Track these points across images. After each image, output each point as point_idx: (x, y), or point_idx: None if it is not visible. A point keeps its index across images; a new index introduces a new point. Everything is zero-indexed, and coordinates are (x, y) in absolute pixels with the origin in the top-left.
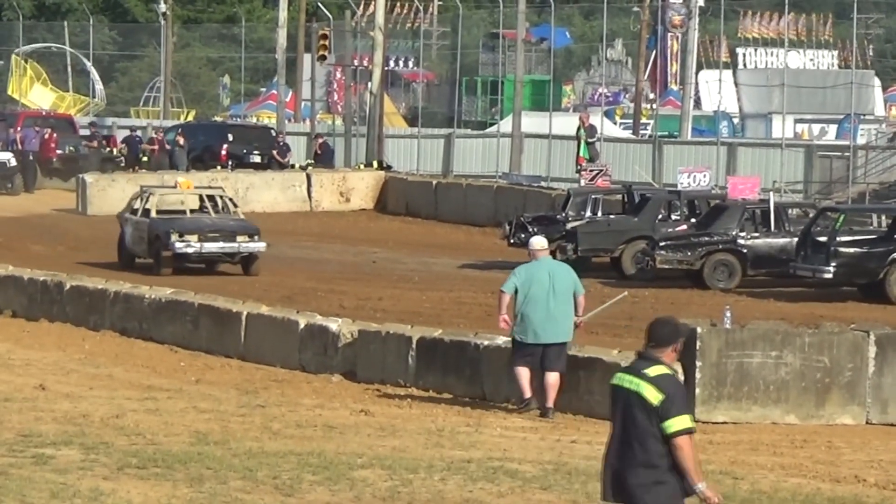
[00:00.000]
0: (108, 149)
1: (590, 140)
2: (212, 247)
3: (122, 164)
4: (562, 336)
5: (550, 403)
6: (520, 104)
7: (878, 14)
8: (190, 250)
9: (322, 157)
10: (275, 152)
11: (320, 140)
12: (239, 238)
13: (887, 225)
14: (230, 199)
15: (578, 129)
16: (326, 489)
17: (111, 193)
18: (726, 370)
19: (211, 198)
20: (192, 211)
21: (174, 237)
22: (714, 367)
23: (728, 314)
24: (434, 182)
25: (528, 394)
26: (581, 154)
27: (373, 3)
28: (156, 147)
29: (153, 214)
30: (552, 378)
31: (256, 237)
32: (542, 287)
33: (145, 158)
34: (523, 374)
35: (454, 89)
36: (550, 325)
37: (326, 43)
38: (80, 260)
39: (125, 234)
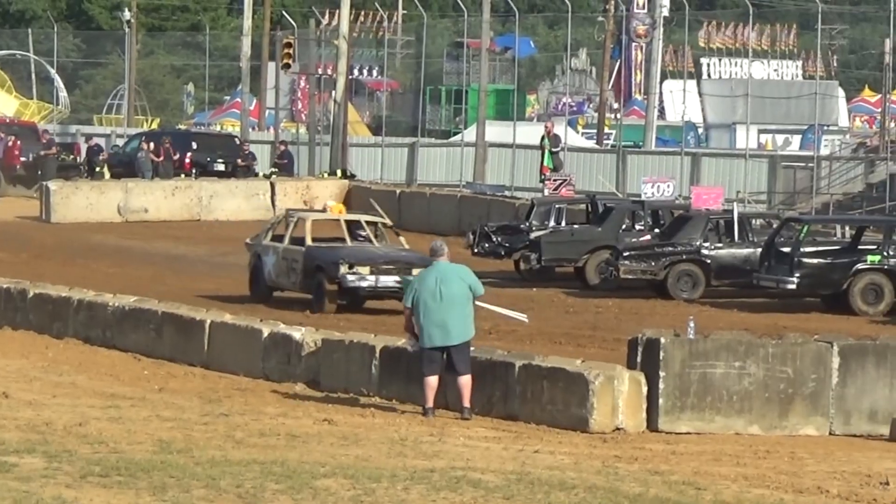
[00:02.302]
0: (71, 156)
1: (554, 150)
2: (388, 281)
3: (85, 175)
4: (453, 339)
5: (466, 403)
6: (484, 113)
7: (842, 25)
8: (364, 284)
9: (283, 165)
10: (239, 160)
11: (282, 147)
12: (415, 271)
13: (851, 236)
14: (391, 226)
15: (542, 138)
16: (289, 498)
17: (75, 201)
18: (690, 380)
19: (370, 224)
20: (351, 239)
21: (343, 269)
22: (677, 378)
23: (691, 324)
24: (398, 191)
25: (429, 404)
26: (545, 163)
27: (337, 11)
28: (162, 158)
29: (309, 242)
30: (461, 381)
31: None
32: (428, 292)
33: (98, 169)
34: (430, 384)
35: (418, 98)
36: (438, 331)
37: (291, 51)
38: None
39: (264, 263)
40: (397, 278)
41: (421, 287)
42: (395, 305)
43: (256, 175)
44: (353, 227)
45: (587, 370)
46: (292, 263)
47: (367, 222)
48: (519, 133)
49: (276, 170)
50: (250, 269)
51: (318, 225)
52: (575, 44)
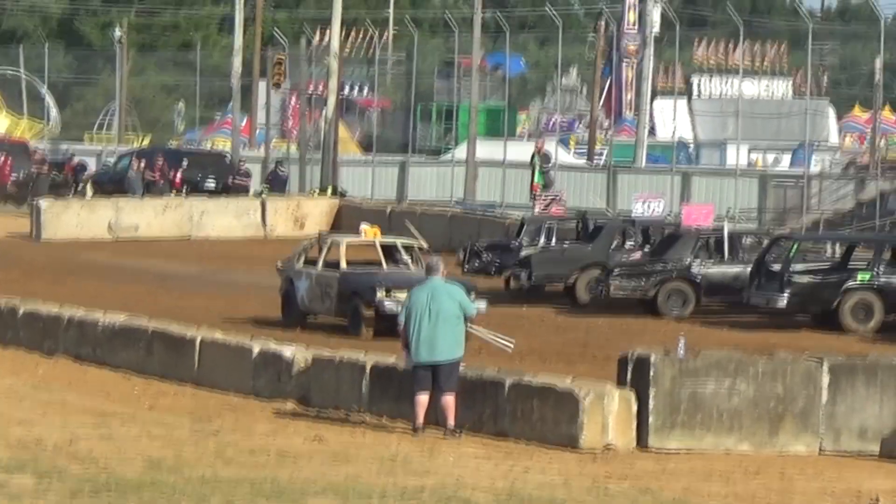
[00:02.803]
0: (62, 174)
1: (544, 167)
2: None
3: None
4: (440, 356)
5: (451, 423)
6: (474, 131)
7: (833, 43)
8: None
9: (274, 183)
10: (230, 179)
11: (278, 169)
12: None
13: (841, 254)
14: (427, 250)
15: (533, 156)
16: None
17: (65, 219)
18: (680, 398)
19: (405, 247)
20: (387, 263)
21: (380, 294)
22: (668, 395)
23: (682, 342)
24: (388, 208)
25: (419, 421)
26: (535, 181)
27: (328, 30)
28: (157, 175)
29: (343, 266)
30: (443, 400)
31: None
32: (418, 309)
33: (82, 187)
34: (419, 401)
35: (409, 116)
36: (426, 348)
37: (282, 69)
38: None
39: (297, 288)
40: None
41: (412, 303)
42: None
43: (248, 193)
44: (388, 250)
45: (577, 388)
46: (326, 288)
47: (404, 246)
48: (509, 151)
49: (268, 186)
50: (282, 295)
51: (352, 248)
52: (566, 62)
